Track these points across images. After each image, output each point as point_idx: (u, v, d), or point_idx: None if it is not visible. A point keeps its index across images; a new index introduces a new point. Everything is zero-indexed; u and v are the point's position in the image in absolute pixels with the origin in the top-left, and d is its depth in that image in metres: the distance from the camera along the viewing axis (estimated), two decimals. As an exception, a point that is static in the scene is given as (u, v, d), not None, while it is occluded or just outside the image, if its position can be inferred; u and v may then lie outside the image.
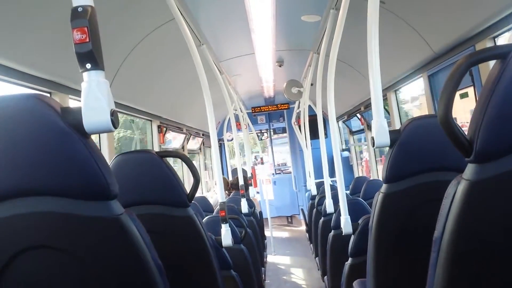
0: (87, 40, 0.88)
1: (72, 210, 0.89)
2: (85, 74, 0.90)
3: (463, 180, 0.86)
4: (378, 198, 1.59)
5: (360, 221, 2.47)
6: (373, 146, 1.55)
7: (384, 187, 1.58)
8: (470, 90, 2.57)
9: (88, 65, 0.90)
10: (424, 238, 1.23)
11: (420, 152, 1.53)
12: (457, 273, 0.88)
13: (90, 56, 0.89)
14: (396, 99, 3.88)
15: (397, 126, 3.83)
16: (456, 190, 0.86)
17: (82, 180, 0.89)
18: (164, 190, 1.66)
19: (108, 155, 2.75)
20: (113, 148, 2.86)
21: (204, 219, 2.98)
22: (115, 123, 0.90)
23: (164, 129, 4.22)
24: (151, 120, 4.00)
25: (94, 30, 0.89)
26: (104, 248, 0.91)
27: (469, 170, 0.86)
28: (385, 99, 3.96)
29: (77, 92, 2.33)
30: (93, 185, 0.90)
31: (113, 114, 0.90)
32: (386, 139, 1.52)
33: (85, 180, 0.89)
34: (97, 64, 0.90)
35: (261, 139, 8.82)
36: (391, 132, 1.53)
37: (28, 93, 0.89)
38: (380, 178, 4.86)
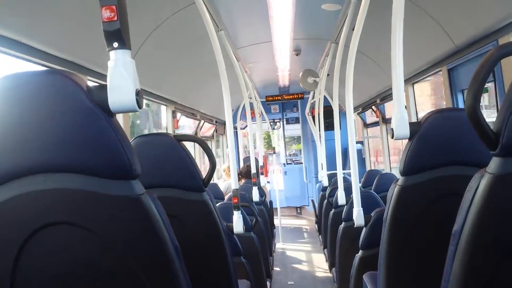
0: (116, 18, 0.88)
1: (94, 188, 0.90)
2: (112, 53, 0.90)
3: (487, 173, 0.84)
4: (394, 190, 1.57)
5: (372, 214, 2.45)
6: (392, 137, 1.53)
7: (401, 179, 1.56)
8: (491, 86, 2.52)
9: (116, 44, 0.89)
10: (439, 232, 1.22)
11: (440, 145, 1.51)
12: (476, 267, 0.87)
13: (118, 35, 0.89)
14: (414, 93, 3.83)
15: (413, 119, 3.78)
16: (479, 184, 0.85)
17: (106, 158, 0.90)
18: (181, 173, 1.66)
19: None
20: (128, 129, 2.86)
21: (217, 205, 2.99)
22: (140, 103, 0.90)
23: (179, 114, 4.22)
24: (166, 105, 4.00)
25: (122, 8, 0.88)
26: (124, 227, 0.92)
27: (494, 163, 0.84)
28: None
29: (96, 74, 2.33)
30: (117, 164, 0.90)
31: (138, 93, 0.90)
32: (406, 131, 1.50)
33: (109, 159, 0.90)
34: (124, 43, 0.90)
35: (274, 129, 8.80)
36: (411, 124, 1.51)
37: (52, 69, 0.89)
38: (393, 172, 4.83)
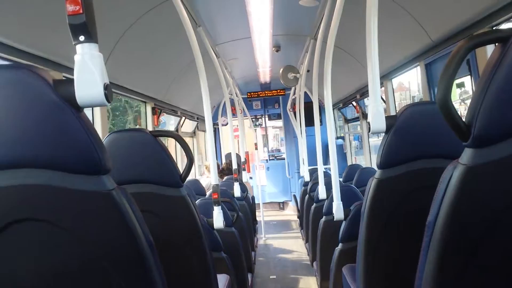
0: (81, 11, 0.86)
1: (63, 184, 0.89)
2: (78, 47, 0.89)
3: (460, 164, 0.86)
4: (372, 183, 1.59)
5: (352, 207, 2.48)
6: (369, 131, 1.55)
7: (378, 172, 1.58)
8: (467, 80, 2.57)
9: (82, 38, 0.88)
10: (415, 224, 1.24)
11: (416, 138, 1.53)
12: (449, 257, 0.88)
13: (84, 28, 0.87)
14: (392, 88, 3.87)
15: (393, 114, 3.83)
16: (452, 175, 0.86)
17: (73, 153, 0.88)
18: (157, 169, 1.65)
19: (102, 133, 2.73)
20: (107, 126, 2.83)
21: (197, 201, 2.98)
22: (108, 97, 0.89)
23: (159, 111, 4.19)
24: (145, 102, 3.97)
25: (88, 1, 0.87)
26: (95, 223, 0.91)
27: (466, 154, 0.86)
28: (381, 87, 3.95)
29: (71, 71, 2.29)
30: (85, 158, 0.89)
31: (107, 87, 0.89)
32: (382, 125, 1.52)
33: (76, 154, 0.88)
34: (91, 37, 0.89)
35: (256, 125, 8.80)
36: (387, 117, 1.53)
37: (17, 63, 0.87)
38: (374, 166, 4.89)
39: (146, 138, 1.64)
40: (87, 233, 0.90)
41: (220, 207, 2.43)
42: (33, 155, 0.87)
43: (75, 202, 0.90)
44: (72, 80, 0.88)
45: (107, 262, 0.91)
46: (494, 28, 2.17)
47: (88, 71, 0.88)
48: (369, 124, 1.53)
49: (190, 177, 6.31)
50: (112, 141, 1.62)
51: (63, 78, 2.27)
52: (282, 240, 6.32)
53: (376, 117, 1.52)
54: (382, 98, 3.98)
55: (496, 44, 0.85)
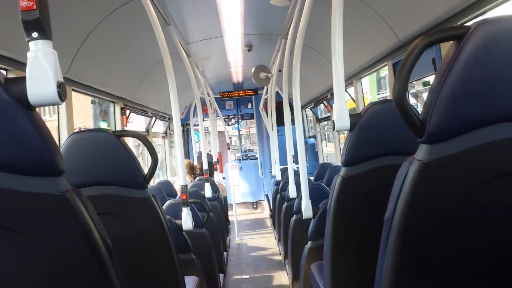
0: (34, 7, 0.83)
1: (13, 186, 0.85)
2: (31, 44, 0.86)
3: (415, 160, 0.87)
4: (337, 181, 1.60)
5: (320, 205, 2.50)
6: (334, 129, 1.56)
7: (342, 170, 1.59)
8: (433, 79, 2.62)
9: (35, 34, 0.85)
10: (379, 222, 1.25)
11: (379, 136, 1.55)
12: (406, 252, 0.89)
13: (37, 24, 0.84)
14: (362, 87, 3.92)
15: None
16: (408, 170, 0.87)
17: (25, 154, 0.85)
18: (120, 170, 1.62)
19: (67, 132, 2.66)
20: (72, 126, 2.75)
21: (166, 203, 2.94)
22: (62, 96, 0.86)
23: (128, 111, 4.12)
24: (114, 102, 3.89)
25: None
26: (49, 226, 0.87)
27: (421, 150, 0.87)
28: (351, 86, 4.00)
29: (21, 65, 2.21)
30: (37, 160, 0.85)
31: (60, 86, 0.86)
32: (347, 123, 1.53)
33: (28, 155, 0.85)
34: (45, 33, 0.86)
35: (229, 125, 8.78)
36: (351, 116, 1.54)
37: None
38: None
39: (109, 139, 1.60)
40: (41, 237, 0.87)
41: (188, 208, 2.40)
42: None
43: (27, 205, 0.86)
44: (24, 78, 0.84)
45: (63, 266, 0.88)
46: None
47: (41, 69, 0.85)
48: (334, 123, 1.54)
49: (163, 178, 6.25)
50: (73, 141, 1.58)
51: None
52: (255, 239, 6.32)
53: (341, 116, 1.53)
54: (352, 98, 4.04)
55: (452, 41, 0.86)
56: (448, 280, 0.90)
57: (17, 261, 0.88)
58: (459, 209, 0.84)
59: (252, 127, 8.25)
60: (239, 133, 8.98)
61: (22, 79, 0.84)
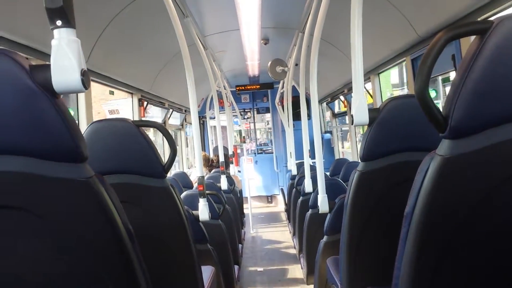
0: None
1: (39, 171, 0.87)
2: (55, 32, 0.88)
3: (437, 155, 0.86)
4: (355, 176, 1.60)
5: (336, 200, 2.50)
6: (352, 123, 1.55)
7: (360, 165, 1.59)
8: (453, 75, 2.59)
9: (59, 22, 0.87)
10: (397, 217, 1.25)
11: (398, 131, 1.54)
12: (426, 247, 0.89)
13: (61, 12, 0.86)
14: (379, 82, 3.89)
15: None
16: (429, 166, 0.87)
17: (49, 140, 0.87)
18: (139, 160, 1.64)
19: (86, 121, 2.70)
20: (91, 115, 2.79)
21: (183, 193, 2.97)
22: (85, 84, 0.88)
23: (145, 103, 4.16)
24: (132, 93, 3.93)
25: None
26: (72, 211, 0.90)
27: (443, 145, 0.86)
28: (368, 81, 3.97)
29: (43, 54, 2.25)
30: (61, 146, 0.87)
31: (84, 74, 0.87)
32: (365, 117, 1.53)
33: (52, 141, 0.87)
34: (68, 22, 0.87)
35: (245, 118, 8.78)
36: (370, 110, 1.54)
37: None
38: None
39: (129, 128, 1.62)
40: (64, 221, 0.89)
41: (205, 199, 2.43)
42: (8, 142, 0.86)
43: (51, 190, 0.89)
44: (48, 66, 0.86)
45: (84, 250, 0.90)
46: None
47: (65, 57, 0.86)
48: (352, 117, 1.54)
49: (179, 169, 6.30)
50: (94, 130, 1.61)
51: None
52: (270, 233, 6.34)
53: (359, 110, 1.52)
54: (369, 93, 4.01)
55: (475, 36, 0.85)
56: (466, 277, 0.90)
57: (40, 244, 0.90)
58: (480, 205, 0.84)
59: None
60: (254, 125, 8.98)
61: (47, 67, 0.86)
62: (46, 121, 0.86)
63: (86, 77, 0.88)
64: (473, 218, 0.85)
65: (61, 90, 0.86)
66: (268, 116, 8.74)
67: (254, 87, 7.76)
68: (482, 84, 0.80)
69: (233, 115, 7.58)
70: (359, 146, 5.48)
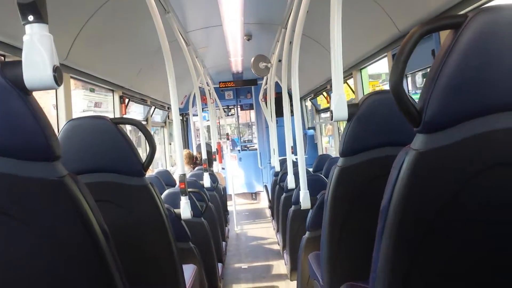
0: None
1: (9, 170, 0.85)
2: (27, 27, 0.85)
3: (411, 150, 0.86)
4: (334, 171, 1.60)
5: (318, 196, 2.50)
6: (331, 119, 1.55)
7: (340, 160, 1.60)
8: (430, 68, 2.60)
9: (31, 17, 0.84)
10: (376, 211, 1.25)
11: (377, 126, 1.55)
12: (402, 241, 0.89)
13: (33, 7, 0.84)
14: (361, 78, 3.90)
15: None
16: (404, 160, 0.87)
17: (20, 138, 0.85)
18: (117, 158, 1.62)
19: (65, 118, 2.65)
20: (71, 112, 2.74)
21: (164, 192, 2.95)
22: (58, 80, 0.85)
23: (127, 100, 4.11)
24: (112, 90, 3.88)
25: None
26: (46, 211, 0.88)
27: (418, 140, 0.87)
28: (350, 77, 3.98)
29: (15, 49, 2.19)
30: (33, 144, 0.85)
31: (56, 70, 0.85)
32: (345, 113, 1.53)
33: (24, 139, 0.85)
34: (41, 17, 0.85)
35: (228, 115, 8.76)
36: (349, 106, 1.54)
37: None
38: None
39: (107, 126, 1.60)
40: (38, 221, 0.87)
41: (187, 197, 2.41)
42: None
43: (24, 190, 0.87)
44: (20, 62, 0.84)
45: (59, 249, 0.89)
46: None
47: (37, 53, 0.84)
48: (332, 112, 1.54)
49: (162, 167, 6.26)
50: (71, 128, 1.58)
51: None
52: (254, 230, 6.35)
53: (339, 106, 1.53)
54: (351, 88, 4.03)
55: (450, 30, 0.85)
56: (443, 271, 0.90)
57: (14, 245, 0.88)
58: (455, 199, 0.84)
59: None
60: (237, 121, 8.96)
61: (18, 63, 0.84)
62: (17, 119, 0.84)
63: (59, 73, 0.86)
64: (448, 212, 0.85)
65: (32, 87, 0.84)
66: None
67: (238, 83, 7.74)
68: (455, 78, 0.80)
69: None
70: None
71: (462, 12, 2.09)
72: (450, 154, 0.83)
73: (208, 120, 7.86)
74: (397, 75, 0.85)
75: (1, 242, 0.87)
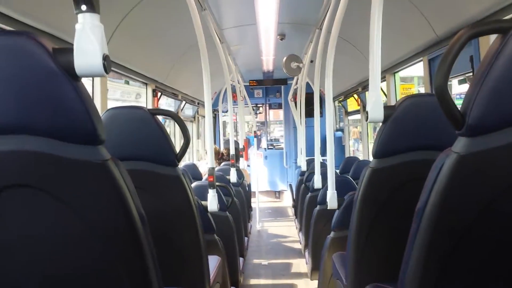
0: None
1: (56, 151, 0.89)
2: (80, 16, 0.89)
3: (452, 153, 0.86)
4: (366, 172, 1.60)
5: (346, 197, 2.50)
6: (367, 120, 1.55)
7: (373, 162, 1.59)
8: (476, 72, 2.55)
9: (84, 7, 0.88)
10: (407, 215, 1.25)
11: (413, 129, 1.54)
12: (435, 245, 0.89)
13: None
14: (395, 82, 3.86)
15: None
16: (444, 163, 0.87)
17: (69, 122, 0.88)
18: (153, 147, 1.66)
19: (101, 107, 2.73)
20: (106, 100, 2.82)
21: (193, 184, 2.99)
22: (107, 68, 0.89)
23: (159, 93, 4.18)
24: (146, 83, 3.96)
25: None
26: (88, 192, 0.91)
27: (459, 143, 0.86)
28: (383, 81, 3.94)
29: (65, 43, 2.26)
30: (80, 128, 0.89)
31: (106, 58, 0.89)
32: (380, 114, 1.53)
33: (71, 123, 0.88)
34: (93, 7, 0.89)
35: (257, 113, 8.79)
36: (385, 107, 1.54)
37: (18, 30, 0.87)
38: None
39: (144, 116, 1.64)
40: (80, 202, 0.91)
41: (215, 190, 2.44)
42: (29, 122, 0.87)
43: (69, 171, 0.90)
44: (71, 49, 0.88)
45: (98, 231, 0.92)
46: None
47: (88, 41, 0.88)
48: (367, 113, 1.54)
49: (189, 161, 6.34)
50: (110, 117, 1.63)
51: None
52: (276, 227, 6.36)
53: (375, 107, 1.52)
54: (383, 92, 3.99)
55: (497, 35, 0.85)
56: (475, 277, 0.90)
57: (54, 224, 0.92)
58: (494, 205, 0.83)
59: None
60: (266, 120, 8.98)
61: (69, 50, 0.87)
62: (66, 103, 0.88)
63: (108, 61, 0.90)
64: (485, 218, 0.85)
65: (83, 73, 0.88)
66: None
67: (268, 82, 7.75)
68: (502, 83, 0.80)
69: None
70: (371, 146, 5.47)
71: (506, 18, 2.05)
72: (491, 158, 0.83)
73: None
74: (442, 77, 0.85)
75: (42, 219, 0.92)
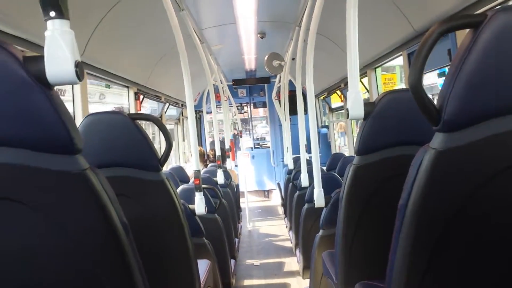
0: None
1: (33, 163, 0.87)
2: (49, 23, 0.87)
3: (430, 148, 0.87)
4: (350, 169, 1.61)
5: (332, 194, 2.50)
6: (347, 117, 1.56)
7: (356, 159, 1.60)
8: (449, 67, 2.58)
9: (52, 13, 0.86)
10: (391, 210, 1.25)
11: (394, 125, 1.54)
12: (419, 239, 0.90)
13: (55, 4, 0.86)
14: (376, 77, 3.89)
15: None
16: (423, 159, 0.87)
17: (43, 132, 0.86)
18: (134, 153, 1.64)
19: (82, 113, 2.69)
20: (87, 105, 2.78)
21: (179, 188, 2.97)
22: (79, 75, 0.87)
23: (142, 96, 4.14)
24: (127, 87, 3.92)
25: None
26: (67, 203, 0.89)
27: (437, 139, 0.87)
28: (364, 76, 3.96)
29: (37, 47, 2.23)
30: (55, 138, 0.87)
31: (78, 65, 0.87)
32: (361, 111, 1.53)
33: (46, 133, 0.86)
34: (62, 13, 0.87)
35: (241, 112, 8.78)
36: (365, 104, 1.54)
37: None
38: None
39: (124, 121, 1.62)
40: (59, 213, 0.89)
41: (201, 193, 2.43)
42: (3, 134, 0.85)
43: (46, 182, 0.88)
44: (42, 57, 0.86)
45: (79, 242, 0.90)
46: None
47: (59, 48, 0.86)
48: (348, 111, 1.54)
49: (175, 163, 6.30)
50: (89, 123, 1.60)
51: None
52: (266, 227, 6.36)
53: (355, 104, 1.53)
54: (365, 87, 4.01)
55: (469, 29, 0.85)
56: (459, 270, 0.91)
57: (34, 236, 0.90)
58: (473, 198, 0.84)
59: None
60: (251, 119, 8.97)
61: (41, 58, 0.85)
62: (40, 113, 0.86)
63: (80, 68, 0.88)
64: (467, 211, 0.86)
65: (55, 81, 0.86)
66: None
67: (251, 81, 7.74)
68: (475, 77, 0.81)
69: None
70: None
71: (478, 12, 2.08)
72: (469, 153, 0.84)
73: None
74: (416, 73, 0.85)
75: (21, 232, 0.89)
